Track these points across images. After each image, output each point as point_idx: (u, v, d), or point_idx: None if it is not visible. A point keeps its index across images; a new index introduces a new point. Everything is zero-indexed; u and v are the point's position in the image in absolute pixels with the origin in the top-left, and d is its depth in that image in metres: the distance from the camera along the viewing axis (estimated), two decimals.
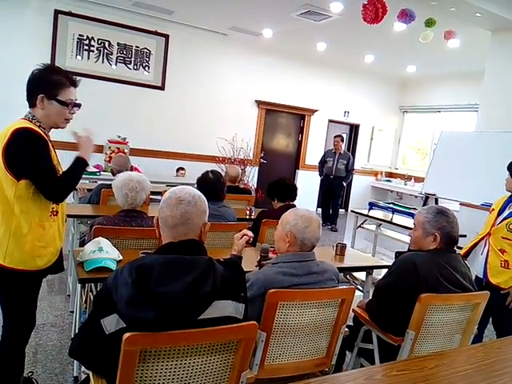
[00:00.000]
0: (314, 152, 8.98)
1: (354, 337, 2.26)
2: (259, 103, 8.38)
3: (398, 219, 4.92)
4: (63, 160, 2.02)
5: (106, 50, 6.87)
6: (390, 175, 10.12)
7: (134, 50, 7.07)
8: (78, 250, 2.37)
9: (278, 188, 3.43)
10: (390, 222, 4.93)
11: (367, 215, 5.27)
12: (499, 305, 2.60)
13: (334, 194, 7.88)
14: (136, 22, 6.93)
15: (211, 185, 3.17)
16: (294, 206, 3.18)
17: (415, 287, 1.95)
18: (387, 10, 4.38)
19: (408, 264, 2.03)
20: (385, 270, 2.36)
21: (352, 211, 5.82)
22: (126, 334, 1.19)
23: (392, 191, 9.66)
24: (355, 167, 8.43)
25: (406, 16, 4.67)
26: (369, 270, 2.98)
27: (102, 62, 6.86)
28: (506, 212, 2.71)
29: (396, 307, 2.01)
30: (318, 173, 8.07)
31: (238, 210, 3.83)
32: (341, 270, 2.39)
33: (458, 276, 2.04)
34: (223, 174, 3.84)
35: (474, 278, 2.44)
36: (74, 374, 2.48)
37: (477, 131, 5.89)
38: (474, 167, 5.65)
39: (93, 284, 2.53)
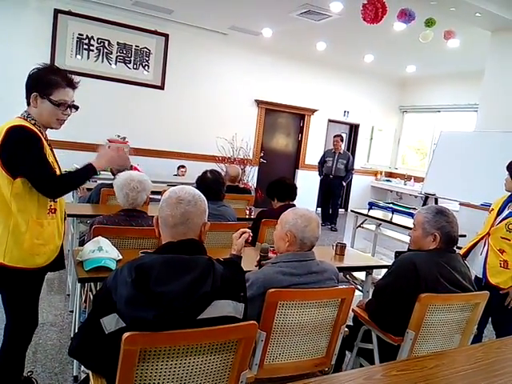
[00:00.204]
0: (313, 152, 8.98)
1: (354, 337, 2.26)
2: (259, 103, 8.38)
3: (398, 219, 4.92)
4: (61, 159, 2.02)
5: (105, 50, 6.86)
6: (390, 175, 10.13)
7: (133, 50, 7.07)
8: (77, 250, 2.37)
9: (277, 188, 3.43)
10: (390, 222, 4.93)
11: (367, 215, 5.27)
12: (498, 305, 2.59)
13: (333, 193, 7.89)
14: (136, 21, 6.92)
15: (211, 184, 3.17)
16: (294, 205, 3.17)
17: (415, 287, 1.95)
18: (387, 9, 4.38)
19: (408, 264, 2.03)
20: (384, 270, 2.36)
21: (352, 211, 5.82)
22: (126, 334, 1.18)
23: (392, 191, 9.67)
24: (355, 167, 8.44)
25: (405, 16, 4.67)
26: (368, 269, 2.98)
27: (102, 61, 6.86)
28: (506, 212, 2.71)
29: (396, 307, 2.01)
30: (317, 172, 8.08)
31: (238, 209, 3.83)
32: (340, 269, 2.39)
33: (458, 276, 2.04)
34: (223, 173, 3.84)
35: (473, 277, 2.44)
36: (74, 374, 2.48)
37: (476, 131, 5.89)
38: (474, 167, 5.65)
39: (92, 283, 2.53)
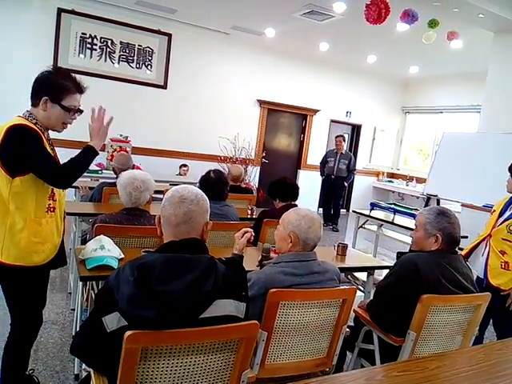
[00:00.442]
0: (315, 152, 8.98)
1: (355, 337, 2.26)
2: (261, 103, 8.38)
3: (400, 220, 4.91)
4: (63, 158, 2.02)
5: (108, 49, 6.87)
6: (392, 176, 10.12)
7: (136, 49, 7.07)
8: (79, 248, 2.38)
9: (279, 188, 3.43)
10: (392, 223, 4.93)
11: (369, 216, 5.26)
12: (500, 306, 2.59)
13: (335, 194, 7.88)
14: (139, 20, 6.93)
15: (214, 184, 3.18)
16: (296, 205, 3.17)
17: (416, 288, 1.95)
18: (390, 10, 4.38)
19: (409, 265, 2.03)
20: (386, 271, 2.36)
21: (353, 211, 5.81)
22: (128, 332, 1.19)
23: (394, 192, 9.65)
24: (357, 167, 8.43)
25: (408, 16, 4.66)
26: (370, 270, 2.97)
27: (105, 60, 6.86)
28: (507, 213, 2.70)
29: (397, 308, 2.01)
30: (319, 173, 8.08)
31: (240, 209, 3.83)
32: (342, 270, 2.39)
33: (460, 277, 2.03)
34: (226, 173, 3.85)
35: (475, 278, 2.44)
36: (75, 372, 2.49)
37: (479, 132, 5.89)
38: (476, 168, 5.64)
39: (94, 282, 2.53)
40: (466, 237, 3.46)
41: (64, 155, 2.06)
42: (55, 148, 2.04)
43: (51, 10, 6.38)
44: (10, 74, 6.02)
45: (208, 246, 1.47)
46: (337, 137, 7.96)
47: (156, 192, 2.82)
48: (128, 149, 6.45)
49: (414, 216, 4.46)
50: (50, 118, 1.91)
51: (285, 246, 1.93)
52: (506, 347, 1.67)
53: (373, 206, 5.45)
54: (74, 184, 2.12)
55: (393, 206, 5.35)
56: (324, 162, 7.93)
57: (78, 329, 2.62)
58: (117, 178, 3.51)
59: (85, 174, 2.04)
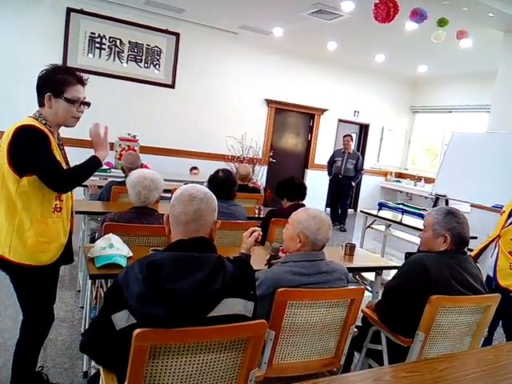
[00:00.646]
0: (323, 152, 8.95)
1: (363, 337, 2.25)
2: (269, 102, 8.37)
3: (408, 220, 4.89)
4: (72, 157, 2.03)
5: (117, 48, 6.91)
6: (400, 175, 10.06)
7: (144, 49, 7.10)
8: (88, 246, 2.39)
9: (287, 187, 3.43)
10: (400, 223, 4.90)
11: (376, 215, 5.24)
12: (509, 308, 2.57)
13: (342, 193, 7.86)
14: (147, 20, 6.96)
15: (222, 183, 3.18)
16: (304, 205, 3.17)
17: (425, 288, 1.94)
18: (399, 9, 4.35)
19: (418, 265, 2.02)
20: (394, 271, 2.35)
21: (361, 211, 5.79)
22: (137, 330, 1.19)
23: (402, 192, 9.60)
24: (364, 167, 8.40)
25: (417, 15, 4.63)
26: (378, 270, 2.96)
27: (114, 60, 6.90)
28: None
29: (406, 308, 2.00)
30: (326, 172, 8.06)
31: (247, 208, 3.83)
32: (350, 270, 2.38)
33: (469, 278, 2.02)
34: (234, 172, 3.85)
35: (485, 277, 2.42)
36: (84, 369, 2.51)
37: (488, 132, 5.83)
38: (486, 168, 5.59)
39: (103, 280, 2.55)
40: (476, 237, 3.44)
41: (75, 155, 2.08)
42: (65, 147, 2.06)
43: (60, 10, 6.43)
44: (21, 73, 6.06)
45: (216, 245, 1.47)
46: (344, 136, 7.93)
47: (164, 191, 2.83)
48: (136, 148, 6.48)
49: (422, 216, 4.44)
50: (58, 113, 1.93)
51: (293, 245, 1.93)
52: None
53: (381, 205, 5.43)
54: (83, 183, 2.13)
55: (401, 206, 5.32)
56: (331, 162, 7.91)
57: (86, 326, 2.64)
58: (125, 176, 3.53)
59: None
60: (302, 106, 8.71)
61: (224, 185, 3.19)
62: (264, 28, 7.02)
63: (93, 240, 3.40)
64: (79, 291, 3.50)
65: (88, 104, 2.01)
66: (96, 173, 2.16)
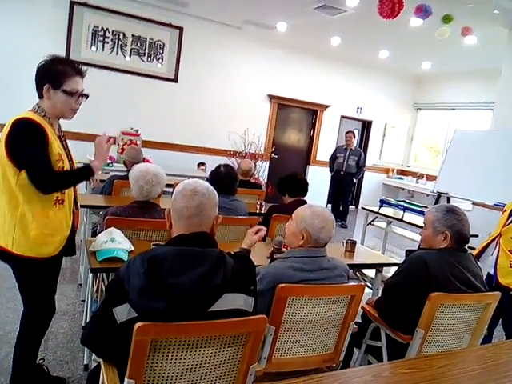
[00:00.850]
0: (325, 148, 8.94)
1: (363, 334, 2.26)
2: (271, 98, 8.35)
3: (409, 217, 4.88)
4: (75, 151, 2.04)
5: (120, 42, 6.89)
6: (402, 173, 10.04)
7: (148, 42, 7.08)
8: (90, 240, 2.40)
9: (289, 183, 3.43)
10: (401, 220, 4.90)
11: (378, 212, 5.24)
12: (509, 306, 2.57)
13: (344, 190, 7.85)
14: (151, 14, 6.93)
15: (223, 178, 3.18)
16: (305, 201, 3.17)
17: (425, 286, 1.94)
18: (404, 4, 4.33)
19: (418, 262, 2.02)
20: (394, 268, 2.35)
21: (362, 208, 5.79)
22: (138, 324, 1.20)
23: (403, 189, 9.59)
24: (366, 164, 8.38)
25: (422, 11, 4.61)
26: (378, 267, 2.97)
27: (117, 53, 6.89)
28: None
29: (405, 305, 2.00)
30: (328, 169, 8.05)
31: (249, 204, 3.84)
32: (350, 266, 2.39)
33: (469, 276, 2.02)
34: (236, 167, 3.85)
35: (485, 275, 2.42)
36: (85, 362, 2.52)
37: (491, 130, 5.81)
38: (488, 166, 5.57)
39: (104, 274, 2.56)
40: (477, 235, 3.43)
41: (71, 147, 2.08)
42: (67, 140, 2.06)
43: (64, 3, 6.41)
44: (25, 66, 6.04)
45: (217, 240, 1.48)
46: (347, 133, 7.92)
47: (166, 185, 2.83)
48: (138, 142, 6.48)
49: (423, 213, 4.43)
50: (56, 105, 1.93)
51: (295, 241, 1.93)
52: None
53: (382, 202, 5.42)
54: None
55: (402, 204, 5.31)
56: (333, 158, 7.90)
57: (88, 320, 2.65)
58: (127, 170, 3.53)
59: None
60: (305, 102, 8.69)
61: (225, 180, 3.19)
62: (268, 23, 6.99)
63: (94, 234, 3.41)
64: (80, 285, 3.52)
65: (86, 96, 2.01)
66: None
